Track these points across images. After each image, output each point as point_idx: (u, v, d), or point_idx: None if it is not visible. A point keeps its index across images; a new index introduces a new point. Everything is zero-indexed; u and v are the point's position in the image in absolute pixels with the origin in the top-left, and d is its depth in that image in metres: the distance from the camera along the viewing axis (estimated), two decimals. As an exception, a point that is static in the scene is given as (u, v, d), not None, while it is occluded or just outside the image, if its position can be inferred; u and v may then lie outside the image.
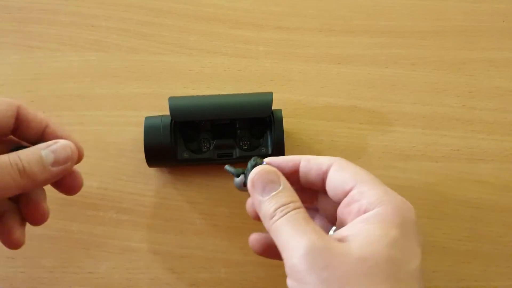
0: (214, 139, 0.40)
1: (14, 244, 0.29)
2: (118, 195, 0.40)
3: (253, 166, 0.28)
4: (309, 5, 0.46)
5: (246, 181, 0.29)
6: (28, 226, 0.39)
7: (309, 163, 0.29)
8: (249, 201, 0.31)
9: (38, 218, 0.30)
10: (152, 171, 0.41)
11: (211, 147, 0.40)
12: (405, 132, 0.42)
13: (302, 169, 0.29)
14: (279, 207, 0.26)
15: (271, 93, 0.38)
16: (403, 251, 0.23)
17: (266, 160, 0.29)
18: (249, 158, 0.39)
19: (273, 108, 0.38)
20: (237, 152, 0.39)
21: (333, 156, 0.29)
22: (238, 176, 0.30)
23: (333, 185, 0.27)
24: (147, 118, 0.39)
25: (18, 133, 0.29)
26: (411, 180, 0.40)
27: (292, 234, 0.24)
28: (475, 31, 0.45)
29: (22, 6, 0.46)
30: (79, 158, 0.30)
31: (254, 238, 0.31)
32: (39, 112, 0.30)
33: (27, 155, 0.26)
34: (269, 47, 0.45)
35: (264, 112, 0.38)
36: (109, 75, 0.44)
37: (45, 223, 0.39)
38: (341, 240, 0.24)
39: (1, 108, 0.28)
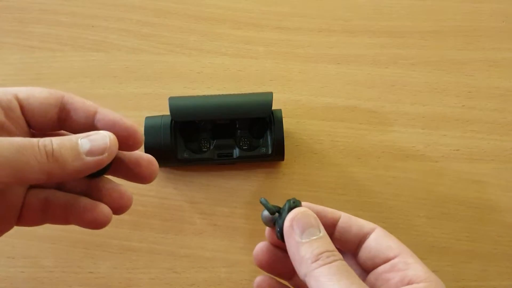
0: (214, 139, 0.40)
1: (100, 221, 0.27)
2: (118, 195, 0.40)
3: (291, 207, 0.27)
4: (309, 5, 0.46)
5: (279, 220, 0.28)
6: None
7: (350, 220, 0.29)
8: (268, 230, 0.30)
9: (123, 206, 0.28)
10: (152, 171, 0.41)
11: (211, 147, 0.40)
12: (405, 132, 0.42)
13: (341, 224, 0.29)
14: (323, 253, 0.25)
15: (271, 93, 0.38)
16: None
17: (304, 204, 0.28)
18: (249, 158, 0.39)
19: (273, 108, 0.38)
20: (237, 152, 0.39)
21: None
22: (273, 213, 0.28)
23: (375, 248, 0.27)
24: (147, 118, 0.39)
25: (68, 125, 0.27)
26: (411, 180, 0.40)
27: (346, 284, 0.23)
28: (475, 31, 0.45)
29: (22, 6, 0.46)
30: (137, 143, 0.28)
31: (261, 248, 0.30)
32: (87, 100, 0.28)
33: (62, 140, 0.24)
34: (269, 47, 0.45)
35: (264, 112, 0.38)
36: (109, 75, 0.44)
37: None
38: None
39: (40, 97, 0.26)
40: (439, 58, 0.44)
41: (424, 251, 0.39)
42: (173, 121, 0.38)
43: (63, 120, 0.27)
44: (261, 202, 0.29)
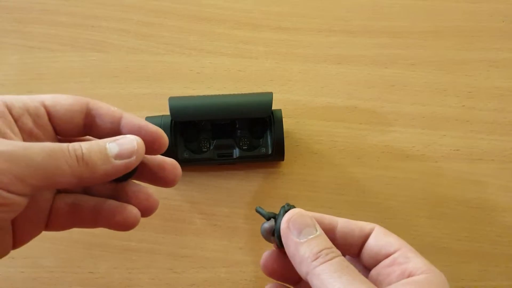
0: (214, 139, 0.40)
1: (130, 223, 0.27)
2: (118, 195, 0.40)
3: (286, 211, 0.28)
4: (309, 5, 0.46)
5: (276, 225, 0.28)
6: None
7: (349, 224, 0.29)
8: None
9: (150, 207, 0.29)
10: (152, 171, 0.41)
11: (211, 147, 0.40)
12: (404, 132, 0.42)
13: (342, 229, 0.29)
14: (323, 250, 0.25)
15: (271, 93, 0.38)
16: None
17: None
18: (249, 158, 0.39)
19: (273, 108, 0.38)
20: (237, 152, 0.39)
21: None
22: (268, 218, 0.29)
23: (376, 245, 0.28)
24: (147, 118, 0.39)
25: (94, 131, 0.28)
26: (411, 180, 0.40)
27: (349, 281, 0.24)
28: (475, 31, 0.45)
29: (22, 6, 0.46)
30: (162, 147, 0.28)
31: (269, 255, 0.30)
32: (112, 106, 0.28)
33: (90, 144, 0.25)
34: (269, 47, 0.45)
35: (264, 112, 0.38)
36: (109, 75, 0.44)
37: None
38: None
39: (66, 103, 0.27)
40: (439, 58, 0.44)
41: (424, 251, 0.38)
42: (173, 121, 0.38)
43: (88, 126, 0.28)
44: (256, 210, 0.29)
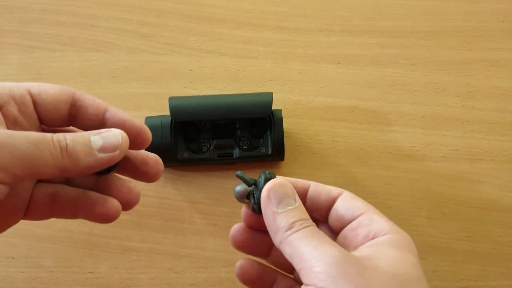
0: (214, 139, 0.40)
1: (110, 215, 0.27)
2: (118, 195, 0.40)
3: (267, 179, 0.28)
4: (309, 5, 0.46)
5: (256, 192, 0.28)
6: (28, 226, 0.39)
7: (318, 188, 0.30)
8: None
9: (131, 201, 0.28)
10: (152, 171, 0.41)
11: (211, 147, 0.40)
12: (405, 132, 0.42)
13: (311, 192, 0.30)
14: (298, 221, 0.26)
15: (271, 93, 0.38)
16: (422, 274, 0.25)
17: (278, 177, 0.29)
18: (249, 158, 0.39)
19: (273, 108, 0.38)
20: (237, 152, 0.39)
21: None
22: (250, 185, 0.29)
23: (343, 209, 0.28)
24: (147, 118, 0.39)
25: (78, 122, 0.28)
26: (411, 180, 0.40)
27: (318, 244, 0.24)
28: (475, 31, 0.45)
29: (23, 6, 0.46)
30: (145, 142, 0.28)
31: (238, 229, 0.31)
32: (97, 98, 0.28)
33: (75, 136, 0.25)
34: (269, 47, 0.45)
35: (264, 112, 0.38)
36: (109, 75, 0.44)
37: (45, 223, 0.39)
38: (363, 257, 0.25)
39: (53, 92, 0.27)
40: (439, 58, 0.44)
41: (424, 251, 0.39)
42: (173, 121, 0.38)
43: (73, 117, 0.28)
44: (237, 175, 0.29)
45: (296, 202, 0.27)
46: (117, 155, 0.25)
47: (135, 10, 0.46)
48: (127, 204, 0.28)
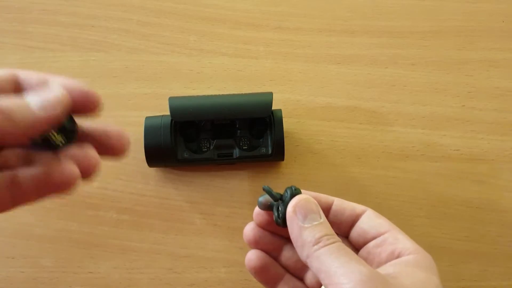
0: (214, 139, 0.40)
1: (67, 175, 0.25)
2: (118, 195, 0.40)
3: (293, 195, 0.29)
4: (309, 5, 0.46)
5: (282, 206, 0.29)
6: (28, 226, 0.39)
7: (343, 204, 0.31)
8: (257, 210, 0.32)
9: (89, 165, 0.26)
10: (152, 171, 0.41)
11: (211, 147, 0.40)
12: (404, 132, 0.42)
13: (335, 208, 0.31)
14: (325, 236, 0.27)
15: (271, 93, 0.38)
16: None
17: (303, 191, 0.30)
18: (249, 158, 0.39)
19: (273, 108, 0.38)
20: (237, 152, 0.39)
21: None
22: (277, 200, 0.30)
23: (368, 226, 0.30)
24: (147, 118, 0.39)
25: None
26: (411, 180, 0.40)
27: (346, 261, 0.25)
28: (475, 31, 0.45)
29: (22, 6, 0.46)
30: (92, 101, 0.27)
31: (249, 225, 0.32)
32: (39, 73, 0.27)
33: (10, 98, 0.24)
34: (269, 47, 0.45)
35: (264, 112, 0.38)
36: (109, 75, 0.44)
37: (45, 223, 0.39)
38: (388, 275, 0.26)
39: None
40: (439, 58, 0.44)
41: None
42: (173, 121, 0.38)
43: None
44: (264, 189, 0.30)
45: (321, 218, 0.28)
46: (58, 111, 0.24)
47: (135, 10, 0.46)
48: (85, 169, 0.26)
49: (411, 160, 0.41)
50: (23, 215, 0.39)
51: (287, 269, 0.32)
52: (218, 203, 0.40)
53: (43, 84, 0.26)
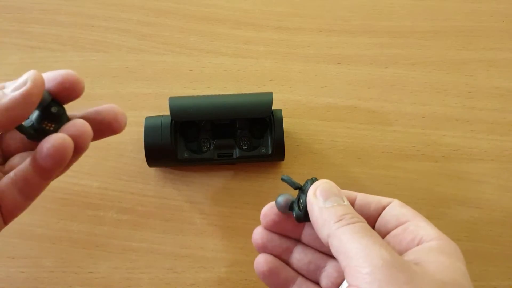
0: (214, 139, 0.40)
1: (58, 146, 0.24)
2: (118, 195, 0.40)
3: (313, 182, 0.28)
4: (309, 5, 0.46)
5: (303, 195, 0.28)
6: (28, 226, 0.39)
7: (367, 198, 0.29)
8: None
9: (80, 133, 0.26)
10: (152, 171, 0.41)
11: (211, 147, 0.40)
12: (405, 132, 0.42)
13: (359, 202, 0.29)
14: (347, 214, 0.25)
15: (271, 93, 0.38)
16: (470, 282, 0.25)
17: None
18: (249, 158, 0.39)
19: (273, 108, 0.38)
20: (237, 152, 0.39)
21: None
22: (296, 188, 0.29)
23: (390, 216, 0.28)
24: (147, 118, 0.39)
25: None
26: (411, 180, 0.40)
27: (369, 243, 0.24)
28: (475, 31, 0.45)
29: (22, 6, 0.46)
30: (75, 85, 0.26)
31: (257, 229, 0.31)
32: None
33: None
34: (269, 47, 0.45)
35: (264, 112, 0.38)
36: (109, 75, 0.44)
37: (45, 223, 0.39)
38: (411, 261, 0.24)
39: None
40: (439, 58, 0.44)
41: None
42: (173, 121, 0.38)
43: None
44: (282, 179, 0.29)
45: (344, 201, 0.27)
46: (30, 85, 0.24)
47: (135, 10, 0.46)
48: (77, 137, 0.25)
49: (411, 160, 0.41)
50: (23, 215, 0.39)
51: (299, 272, 0.31)
52: (218, 203, 0.40)
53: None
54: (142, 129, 0.38)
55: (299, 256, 0.30)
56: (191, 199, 0.40)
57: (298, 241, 0.31)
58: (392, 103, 0.43)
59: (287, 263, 0.31)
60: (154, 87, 0.43)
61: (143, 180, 0.40)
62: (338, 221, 0.25)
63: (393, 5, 0.46)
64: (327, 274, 0.30)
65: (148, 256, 0.39)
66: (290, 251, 0.31)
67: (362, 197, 0.29)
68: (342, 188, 0.40)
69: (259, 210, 0.40)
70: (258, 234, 0.31)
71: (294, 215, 0.28)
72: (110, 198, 0.40)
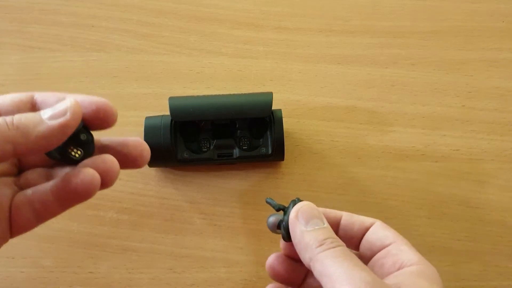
0: (214, 139, 0.40)
1: (87, 183, 0.25)
2: (118, 195, 0.40)
3: (295, 203, 0.29)
4: (309, 5, 0.46)
5: (285, 216, 0.29)
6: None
7: (352, 218, 0.30)
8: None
9: (108, 170, 0.26)
10: (152, 171, 0.41)
11: (211, 147, 0.40)
12: (404, 132, 0.42)
13: (344, 222, 0.30)
14: (328, 238, 0.27)
15: (271, 93, 0.38)
16: None
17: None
18: (249, 158, 0.39)
19: (273, 108, 0.38)
20: (237, 152, 0.39)
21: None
22: (278, 210, 0.30)
23: (374, 238, 0.29)
24: (147, 118, 0.39)
25: None
26: (411, 180, 0.40)
27: (350, 267, 0.25)
28: (475, 31, 0.45)
29: (22, 6, 0.46)
30: (109, 116, 0.26)
31: (275, 257, 0.31)
32: (57, 93, 0.27)
33: (24, 113, 0.24)
34: (269, 47, 0.45)
35: (264, 112, 0.38)
36: (109, 75, 0.44)
37: (45, 223, 0.39)
38: (392, 285, 0.25)
39: (11, 97, 0.26)
40: (439, 58, 0.44)
41: (424, 251, 0.38)
42: (173, 121, 0.38)
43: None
44: (267, 201, 0.30)
45: (324, 224, 0.28)
46: (69, 118, 0.24)
47: (135, 10, 0.46)
48: (105, 174, 0.26)
49: (411, 160, 0.41)
50: (23, 215, 0.39)
51: None
52: (218, 203, 0.40)
53: (59, 101, 0.26)
54: (142, 129, 0.38)
55: (310, 281, 0.31)
56: (191, 199, 0.40)
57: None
58: (391, 103, 0.43)
59: (299, 286, 0.32)
60: (154, 87, 0.43)
61: (143, 180, 0.40)
62: (320, 245, 0.26)
63: (393, 5, 0.46)
64: None
65: (148, 256, 0.39)
66: (304, 275, 0.31)
67: (347, 217, 0.30)
68: (342, 188, 0.41)
69: (259, 210, 0.40)
70: (280, 263, 0.31)
71: (281, 236, 0.30)
72: (110, 198, 0.40)
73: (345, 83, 0.43)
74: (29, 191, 0.26)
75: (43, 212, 0.26)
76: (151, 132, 0.38)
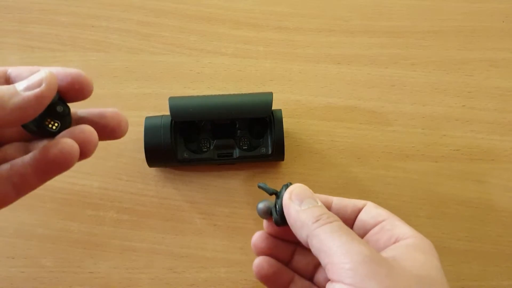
0: (214, 139, 0.40)
1: (66, 153, 0.24)
2: (118, 195, 0.40)
3: (287, 187, 0.29)
4: (309, 5, 0.46)
5: (278, 200, 0.29)
6: (28, 226, 0.39)
7: (343, 201, 0.31)
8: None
9: (87, 140, 0.25)
10: (152, 171, 0.41)
11: (211, 147, 0.40)
12: (405, 132, 0.42)
13: (336, 206, 0.30)
14: (324, 214, 0.27)
15: (271, 93, 0.38)
16: (444, 277, 0.26)
17: None
18: (249, 158, 0.39)
19: (273, 108, 0.38)
20: (237, 152, 0.39)
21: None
22: (271, 194, 0.30)
23: (367, 217, 0.29)
24: (147, 118, 0.39)
25: None
26: (411, 180, 0.40)
27: (347, 240, 0.25)
28: (475, 31, 0.45)
29: (22, 6, 0.46)
30: (85, 86, 0.26)
31: (260, 236, 0.31)
32: (31, 66, 0.27)
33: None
34: (269, 47, 0.45)
35: (264, 112, 0.38)
36: (109, 75, 0.44)
37: (45, 223, 0.39)
38: (389, 258, 0.25)
39: None
40: (439, 58, 0.44)
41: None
42: (173, 121, 0.38)
43: None
44: (259, 186, 0.30)
45: (318, 203, 0.28)
46: (44, 89, 0.23)
47: (135, 10, 0.46)
48: (84, 144, 0.25)
49: (411, 160, 0.41)
50: (23, 215, 0.39)
51: (296, 271, 0.32)
52: (218, 203, 0.40)
53: (31, 71, 0.26)
54: (142, 129, 0.38)
55: (298, 258, 0.31)
56: (191, 199, 0.40)
57: (298, 243, 0.31)
58: (392, 103, 0.43)
59: (287, 263, 0.32)
60: (154, 87, 0.43)
61: (143, 180, 0.40)
62: (316, 221, 0.26)
63: (393, 5, 0.46)
64: (322, 273, 0.31)
65: (148, 256, 0.39)
66: (291, 253, 0.32)
67: (338, 201, 0.31)
68: (342, 188, 0.41)
69: (259, 210, 0.40)
70: (263, 240, 0.31)
71: (273, 220, 0.30)
72: (110, 198, 0.40)
73: (345, 83, 0.43)
74: (7, 165, 0.26)
75: (22, 185, 0.26)
76: (151, 132, 0.38)
